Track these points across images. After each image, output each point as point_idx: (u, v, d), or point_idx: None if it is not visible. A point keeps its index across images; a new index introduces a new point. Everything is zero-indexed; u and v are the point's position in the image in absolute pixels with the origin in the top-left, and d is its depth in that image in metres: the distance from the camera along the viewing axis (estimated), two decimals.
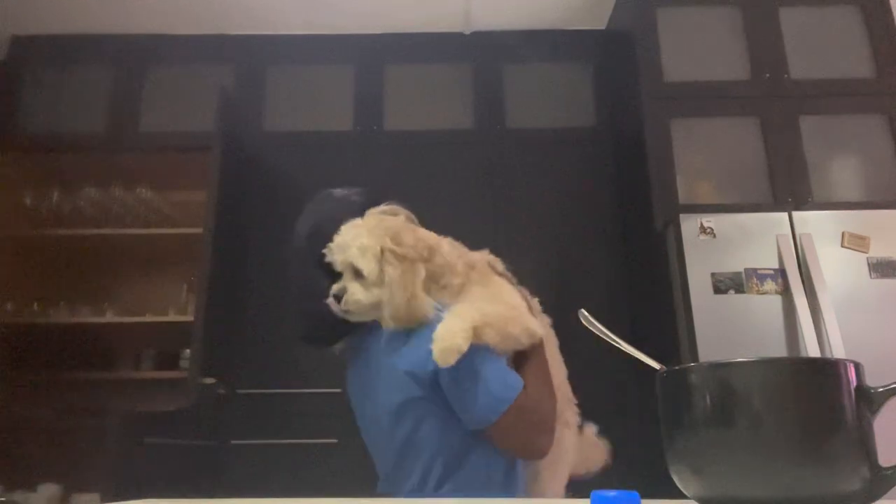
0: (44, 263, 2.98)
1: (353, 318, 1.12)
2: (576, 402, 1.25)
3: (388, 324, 1.08)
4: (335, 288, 1.11)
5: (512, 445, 1.08)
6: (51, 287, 2.95)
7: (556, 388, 1.14)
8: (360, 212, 1.16)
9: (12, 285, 2.82)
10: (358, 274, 1.09)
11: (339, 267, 1.11)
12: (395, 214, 1.17)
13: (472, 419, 1.04)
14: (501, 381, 1.03)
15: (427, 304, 1.07)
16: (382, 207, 1.17)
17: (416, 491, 1.08)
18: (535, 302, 1.23)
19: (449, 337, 0.97)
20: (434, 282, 1.10)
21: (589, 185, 2.94)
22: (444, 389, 1.05)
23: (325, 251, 1.13)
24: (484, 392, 1.02)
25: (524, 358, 1.11)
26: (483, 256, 1.20)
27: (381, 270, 1.08)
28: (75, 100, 3.02)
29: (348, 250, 1.10)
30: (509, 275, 1.22)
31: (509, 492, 1.09)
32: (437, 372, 1.03)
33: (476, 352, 1.00)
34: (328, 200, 1.23)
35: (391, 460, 1.13)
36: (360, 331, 1.19)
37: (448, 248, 1.14)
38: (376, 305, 1.09)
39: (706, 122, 2.58)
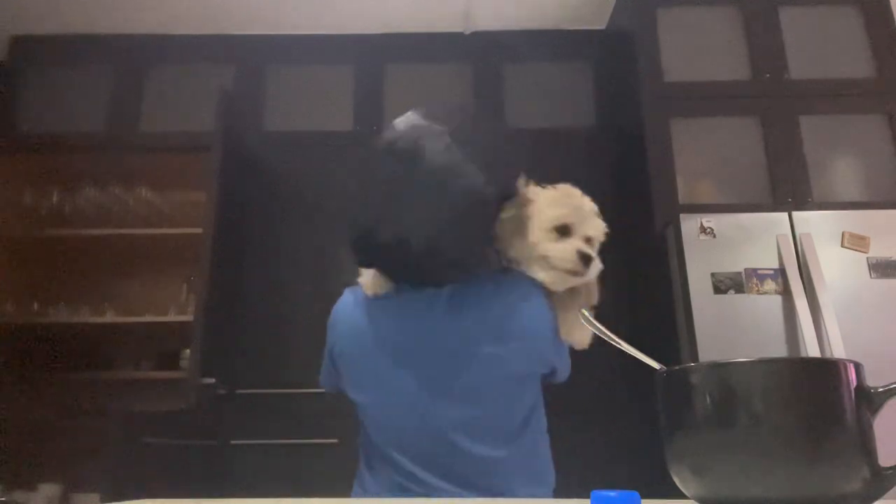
0: (44, 263, 2.98)
1: (562, 281, 1.09)
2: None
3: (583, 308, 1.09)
4: (581, 247, 1.08)
5: None
6: (51, 287, 2.95)
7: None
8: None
9: (12, 285, 2.82)
10: (588, 243, 1.10)
11: (579, 228, 1.10)
12: None
13: (566, 374, 1.18)
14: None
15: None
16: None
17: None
18: None
19: (585, 327, 1.05)
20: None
21: (589, 185, 2.93)
22: (559, 366, 1.12)
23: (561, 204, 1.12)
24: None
25: None
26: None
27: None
28: (75, 100, 3.02)
29: (597, 219, 1.13)
30: None
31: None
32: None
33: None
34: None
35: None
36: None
37: None
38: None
39: (706, 122, 2.58)
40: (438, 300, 1.07)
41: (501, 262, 1.13)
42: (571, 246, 1.07)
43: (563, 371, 1.15)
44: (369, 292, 1.10)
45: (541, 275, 1.09)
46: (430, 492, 1.04)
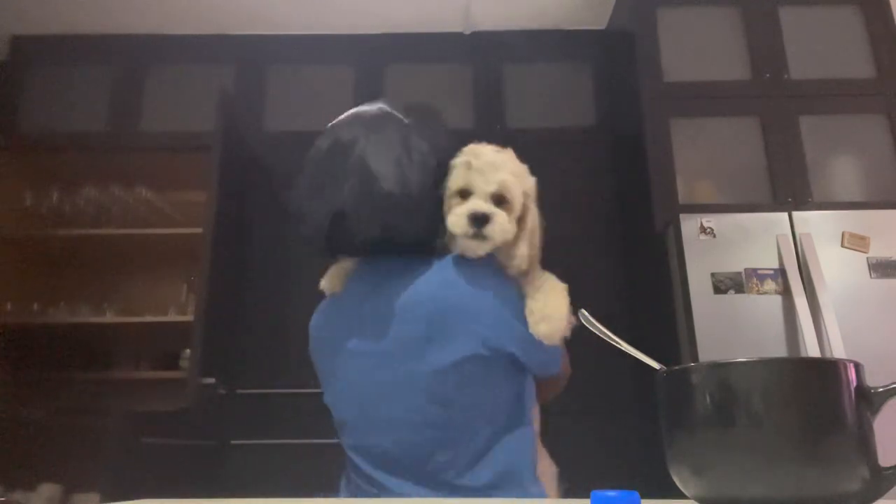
0: (44, 263, 2.98)
1: (472, 248, 0.99)
2: None
3: (518, 269, 1.01)
4: (475, 207, 0.96)
5: (554, 386, 1.15)
6: (51, 287, 2.95)
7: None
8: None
9: (12, 285, 2.82)
10: (500, 202, 0.99)
11: (477, 186, 0.99)
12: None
13: (548, 371, 1.07)
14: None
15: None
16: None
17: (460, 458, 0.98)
18: None
19: (560, 319, 0.96)
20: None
21: (589, 185, 2.94)
22: (517, 351, 0.99)
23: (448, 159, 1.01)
24: (555, 350, 1.05)
25: None
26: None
27: (525, 209, 1.02)
28: (75, 100, 3.02)
29: (499, 171, 0.99)
30: None
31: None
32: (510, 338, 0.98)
33: None
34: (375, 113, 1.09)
35: (412, 423, 0.98)
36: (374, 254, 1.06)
37: None
38: (506, 245, 1.00)
39: (706, 122, 2.58)
40: (377, 290, 1.03)
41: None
42: (464, 209, 0.97)
43: (533, 361, 1.02)
44: (326, 292, 1.11)
45: (455, 246, 1.01)
46: (386, 493, 1.01)
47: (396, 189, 0.96)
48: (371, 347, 1.00)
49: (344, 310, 1.07)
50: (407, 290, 0.99)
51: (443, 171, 1.03)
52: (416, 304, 0.98)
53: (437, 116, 1.11)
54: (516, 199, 1.00)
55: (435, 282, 0.98)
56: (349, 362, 1.03)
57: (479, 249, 0.99)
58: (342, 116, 1.09)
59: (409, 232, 0.99)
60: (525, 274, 1.04)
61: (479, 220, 0.96)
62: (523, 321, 0.97)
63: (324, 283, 1.11)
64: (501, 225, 0.97)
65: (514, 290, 1.01)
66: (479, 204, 0.97)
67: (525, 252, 1.01)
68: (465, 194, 1.00)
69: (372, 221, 0.96)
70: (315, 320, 1.11)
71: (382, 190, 0.95)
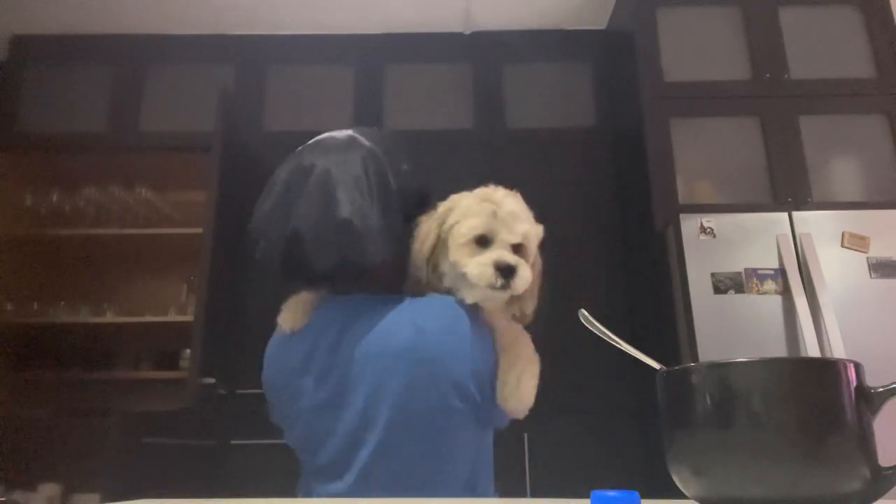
0: (44, 263, 2.98)
1: (492, 298, 0.97)
2: None
3: (525, 319, 1.02)
4: (501, 257, 0.94)
5: None
6: (51, 287, 2.95)
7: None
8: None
9: (12, 285, 2.82)
10: (516, 250, 0.97)
11: (500, 236, 0.97)
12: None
13: (506, 421, 1.03)
14: None
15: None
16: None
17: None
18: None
19: (529, 399, 0.94)
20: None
21: (589, 185, 2.94)
22: (481, 401, 0.96)
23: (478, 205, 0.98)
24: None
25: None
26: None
27: (535, 257, 1.01)
28: (75, 100, 3.02)
29: (522, 222, 0.98)
30: None
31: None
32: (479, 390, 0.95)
33: None
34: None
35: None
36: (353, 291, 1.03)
37: None
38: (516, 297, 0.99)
39: (706, 122, 2.58)
40: (346, 331, 0.99)
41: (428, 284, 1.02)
42: (488, 258, 0.95)
43: (494, 416, 0.98)
44: (286, 328, 1.04)
45: (468, 294, 0.97)
46: None
47: (354, 217, 0.93)
48: (341, 399, 0.96)
49: (306, 349, 1.01)
50: (379, 335, 0.95)
51: (410, 199, 1.02)
52: (392, 351, 0.94)
53: (404, 143, 1.09)
54: (533, 249, 1.00)
55: (410, 328, 0.94)
56: (315, 412, 0.98)
57: (499, 299, 0.98)
58: (308, 142, 1.08)
59: (366, 261, 0.95)
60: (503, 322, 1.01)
61: (507, 272, 0.94)
62: (493, 371, 0.96)
63: (282, 319, 1.05)
64: (524, 276, 0.96)
65: (489, 338, 0.98)
66: (504, 255, 0.95)
67: (534, 303, 1.03)
68: (483, 242, 0.97)
69: (328, 248, 0.93)
70: (271, 357, 1.05)
71: (340, 217, 0.93)
